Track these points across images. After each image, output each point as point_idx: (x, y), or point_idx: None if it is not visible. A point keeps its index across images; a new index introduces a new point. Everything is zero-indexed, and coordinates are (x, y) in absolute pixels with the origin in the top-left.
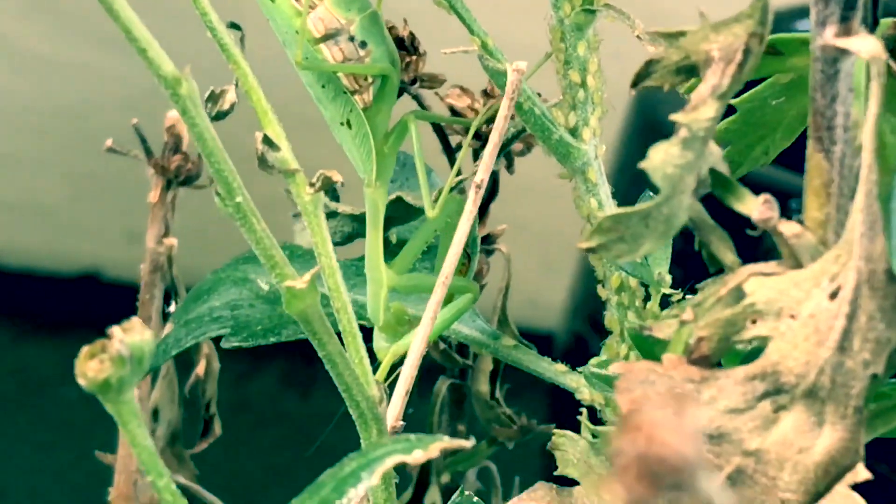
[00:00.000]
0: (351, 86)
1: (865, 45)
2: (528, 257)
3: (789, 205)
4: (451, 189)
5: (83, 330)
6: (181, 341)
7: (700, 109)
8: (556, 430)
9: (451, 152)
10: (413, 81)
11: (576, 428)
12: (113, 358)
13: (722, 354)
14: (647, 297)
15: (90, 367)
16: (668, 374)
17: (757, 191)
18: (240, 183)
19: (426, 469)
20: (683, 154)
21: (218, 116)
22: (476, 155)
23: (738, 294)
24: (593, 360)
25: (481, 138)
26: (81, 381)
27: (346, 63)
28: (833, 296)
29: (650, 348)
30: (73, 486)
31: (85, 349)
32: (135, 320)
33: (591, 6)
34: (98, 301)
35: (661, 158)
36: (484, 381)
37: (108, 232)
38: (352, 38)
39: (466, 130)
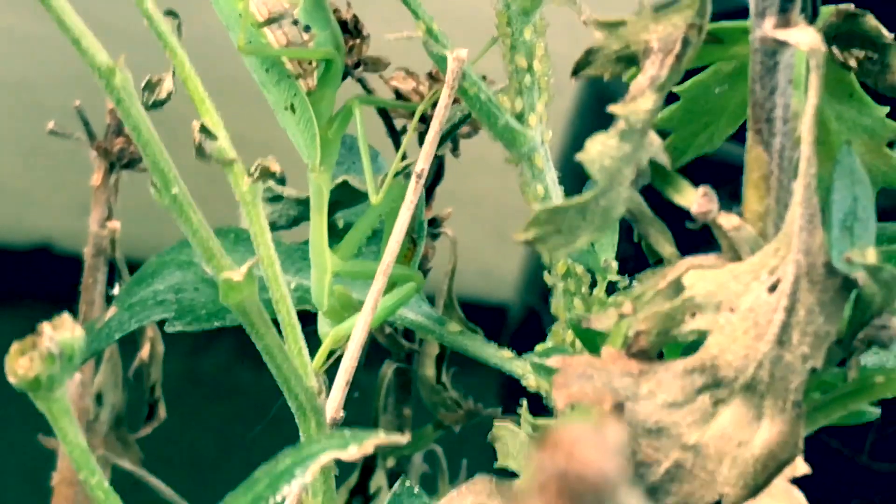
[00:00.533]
0: (295, 70)
1: (804, 37)
2: (483, 230)
3: None
4: (397, 174)
5: (35, 302)
6: (124, 325)
7: (638, 101)
8: (496, 422)
9: (396, 136)
10: (357, 65)
11: None
12: (42, 355)
13: (661, 347)
14: (594, 284)
15: (20, 365)
16: (606, 368)
17: (719, 167)
18: (176, 174)
19: (372, 453)
20: (621, 146)
21: (154, 105)
22: (422, 138)
23: (678, 287)
24: (538, 348)
25: (427, 122)
26: (11, 379)
27: (289, 47)
28: (772, 289)
29: (592, 338)
30: (23, 465)
31: (15, 346)
32: (65, 317)
33: None
34: (50, 273)
35: (597, 150)
36: (430, 365)
37: (60, 204)
38: (295, 22)
39: (412, 114)
